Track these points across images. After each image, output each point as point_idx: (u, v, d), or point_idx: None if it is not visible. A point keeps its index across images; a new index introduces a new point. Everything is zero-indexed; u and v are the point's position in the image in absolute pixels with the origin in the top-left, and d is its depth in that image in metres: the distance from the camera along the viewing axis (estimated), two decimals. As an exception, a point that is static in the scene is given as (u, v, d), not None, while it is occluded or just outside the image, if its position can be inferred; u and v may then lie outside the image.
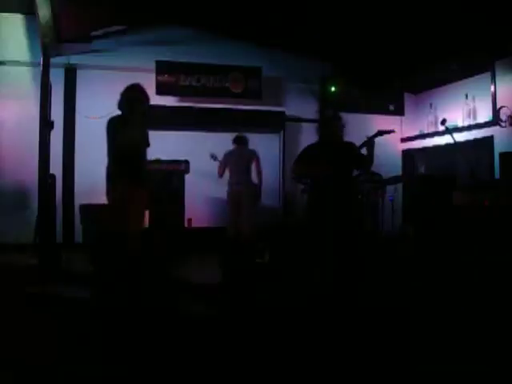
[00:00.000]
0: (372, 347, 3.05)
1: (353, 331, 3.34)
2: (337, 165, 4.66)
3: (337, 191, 4.67)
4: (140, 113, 4.62)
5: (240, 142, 6.97)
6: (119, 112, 4.66)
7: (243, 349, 3.03)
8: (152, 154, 7.52)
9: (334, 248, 4.54)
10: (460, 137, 7.03)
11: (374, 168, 7.12)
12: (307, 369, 2.77)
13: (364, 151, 4.80)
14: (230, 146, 7.04)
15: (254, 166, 6.92)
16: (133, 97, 4.60)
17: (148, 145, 4.75)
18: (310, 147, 4.98)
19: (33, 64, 6.31)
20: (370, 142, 4.73)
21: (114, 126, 4.56)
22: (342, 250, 4.52)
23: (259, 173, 6.92)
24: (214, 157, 7.09)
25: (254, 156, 6.92)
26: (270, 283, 4.94)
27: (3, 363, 2.82)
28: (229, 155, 6.96)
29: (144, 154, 4.72)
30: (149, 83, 7.64)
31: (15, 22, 7.06)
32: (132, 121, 4.53)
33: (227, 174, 6.96)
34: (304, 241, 5.32)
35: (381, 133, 4.79)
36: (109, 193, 4.56)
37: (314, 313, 3.75)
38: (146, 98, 4.70)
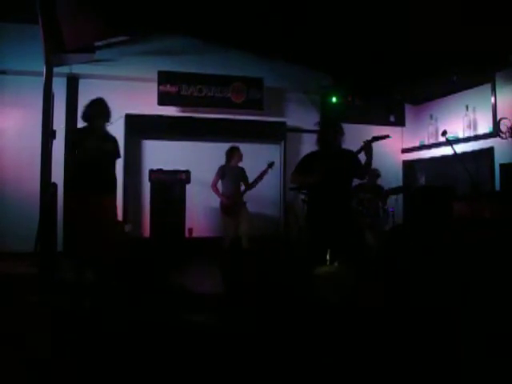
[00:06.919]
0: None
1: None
2: (334, 173, 4.66)
3: (332, 200, 4.67)
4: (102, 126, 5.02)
5: None
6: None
7: (247, 360, 3.01)
8: (154, 163, 7.63)
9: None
10: (460, 148, 7.04)
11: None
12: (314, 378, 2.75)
13: (362, 156, 4.78)
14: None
15: None
16: (97, 111, 4.98)
17: (118, 156, 5.20)
18: (308, 156, 4.98)
19: (35, 73, 6.32)
20: (367, 147, 4.73)
21: (78, 136, 5.07)
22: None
23: None
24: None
25: None
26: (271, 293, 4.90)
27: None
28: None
29: (110, 163, 5.09)
30: (151, 93, 7.76)
31: (18, 32, 7.09)
32: (96, 133, 4.95)
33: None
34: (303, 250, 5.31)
35: (376, 138, 4.79)
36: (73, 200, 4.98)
37: (323, 321, 3.72)
38: (109, 112, 5.06)
